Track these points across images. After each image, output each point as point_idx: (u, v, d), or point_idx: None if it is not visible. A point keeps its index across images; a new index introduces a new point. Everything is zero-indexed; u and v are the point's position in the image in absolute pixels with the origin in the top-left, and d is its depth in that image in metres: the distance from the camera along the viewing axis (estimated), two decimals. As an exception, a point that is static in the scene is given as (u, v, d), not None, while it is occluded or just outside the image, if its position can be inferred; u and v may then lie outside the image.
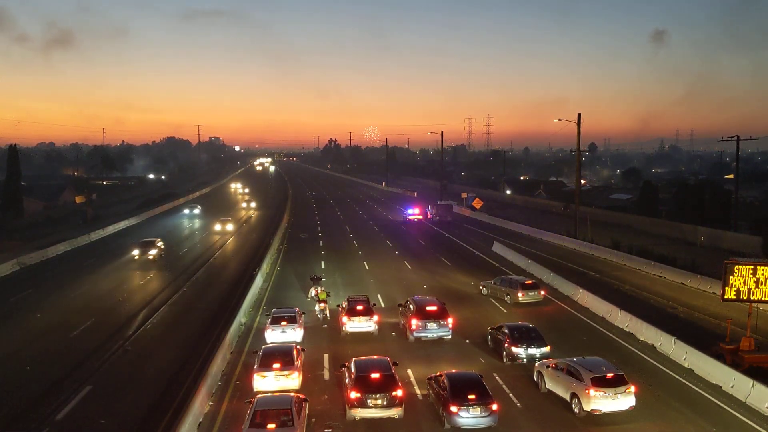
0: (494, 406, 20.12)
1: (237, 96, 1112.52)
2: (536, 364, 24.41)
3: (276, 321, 28.74)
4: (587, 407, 20.85)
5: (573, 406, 21.51)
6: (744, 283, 25.20)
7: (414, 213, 78.34)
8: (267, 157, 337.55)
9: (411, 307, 30.14)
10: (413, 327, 29.01)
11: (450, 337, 29.29)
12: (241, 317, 31.68)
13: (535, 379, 24.02)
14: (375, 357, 23.77)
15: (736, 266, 25.40)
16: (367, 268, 47.44)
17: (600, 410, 20.75)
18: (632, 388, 21.16)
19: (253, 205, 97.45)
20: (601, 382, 20.94)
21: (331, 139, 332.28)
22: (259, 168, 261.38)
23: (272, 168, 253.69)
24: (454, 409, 19.91)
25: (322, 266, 47.71)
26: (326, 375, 25.31)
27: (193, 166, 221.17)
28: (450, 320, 29.46)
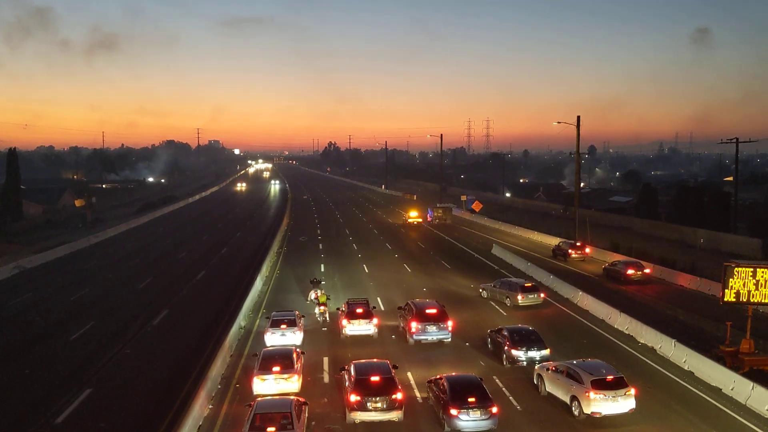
0: (494, 409, 20.09)
1: (238, 100, 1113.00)
2: (536, 367, 24.39)
3: (276, 324, 28.69)
4: (587, 410, 20.82)
5: (573, 408, 21.48)
6: (744, 285, 25.17)
7: (414, 216, 78.32)
8: (267, 161, 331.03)
9: (411, 310, 30.12)
10: (413, 330, 28.98)
11: (450, 339, 29.26)
12: (240, 320, 31.65)
13: (535, 382, 24.00)
14: (375, 360, 23.79)
15: (736, 268, 25.38)
16: (366, 271, 47.42)
17: (600, 413, 20.71)
18: (632, 391, 21.13)
19: None
20: (601, 385, 20.90)
21: (330, 142, 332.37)
22: (240, 187, 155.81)
23: (276, 185, 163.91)
24: (454, 412, 19.89)
25: (322, 269, 47.69)
26: (326, 378, 25.27)
27: (203, 168, 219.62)
28: (450, 323, 29.43)
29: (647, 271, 43.95)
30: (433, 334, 28.96)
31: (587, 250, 52.50)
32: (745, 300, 25.38)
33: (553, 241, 57.77)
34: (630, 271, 43.12)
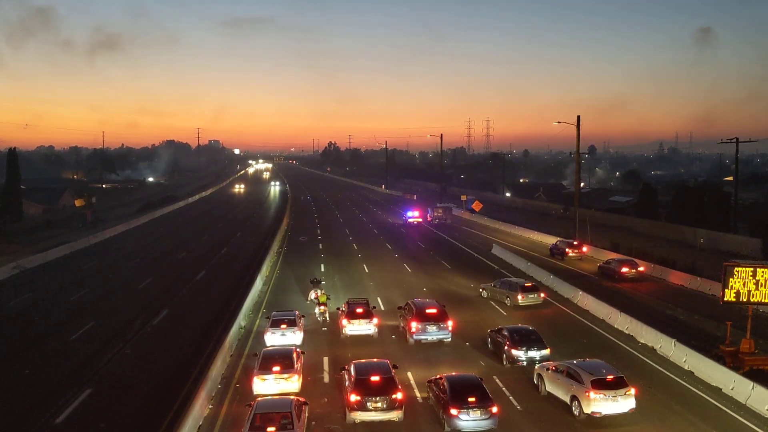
0: (494, 409, 20.10)
1: (239, 100, 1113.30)
2: (536, 367, 24.39)
3: (276, 324, 28.69)
4: (587, 410, 20.82)
5: (573, 408, 21.48)
6: (744, 285, 25.18)
7: (414, 216, 78.31)
8: (267, 161, 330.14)
9: (411, 309, 30.11)
10: (413, 330, 28.98)
11: (450, 339, 29.26)
12: (240, 320, 31.64)
13: (535, 382, 24.00)
14: (375, 360, 23.80)
15: (736, 268, 25.39)
16: (366, 271, 47.41)
17: (600, 413, 20.71)
18: (632, 391, 21.13)
19: None
20: (601, 385, 20.90)
21: (330, 142, 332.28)
22: (238, 189, 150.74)
23: (276, 186, 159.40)
24: (454, 411, 19.89)
25: (322, 269, 47.68)
26: (326, 378, 25.28)
27: (203, 168, 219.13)
28: (450, 323, 29.43)
29: (641, 269, 44.53)
30: (433, 334, 28.95)
31: (584, 248, 53.44)
32: (745, 300, 25.39)
33: (553, 240, 57.93)
34: (624, 269, 43.95)
